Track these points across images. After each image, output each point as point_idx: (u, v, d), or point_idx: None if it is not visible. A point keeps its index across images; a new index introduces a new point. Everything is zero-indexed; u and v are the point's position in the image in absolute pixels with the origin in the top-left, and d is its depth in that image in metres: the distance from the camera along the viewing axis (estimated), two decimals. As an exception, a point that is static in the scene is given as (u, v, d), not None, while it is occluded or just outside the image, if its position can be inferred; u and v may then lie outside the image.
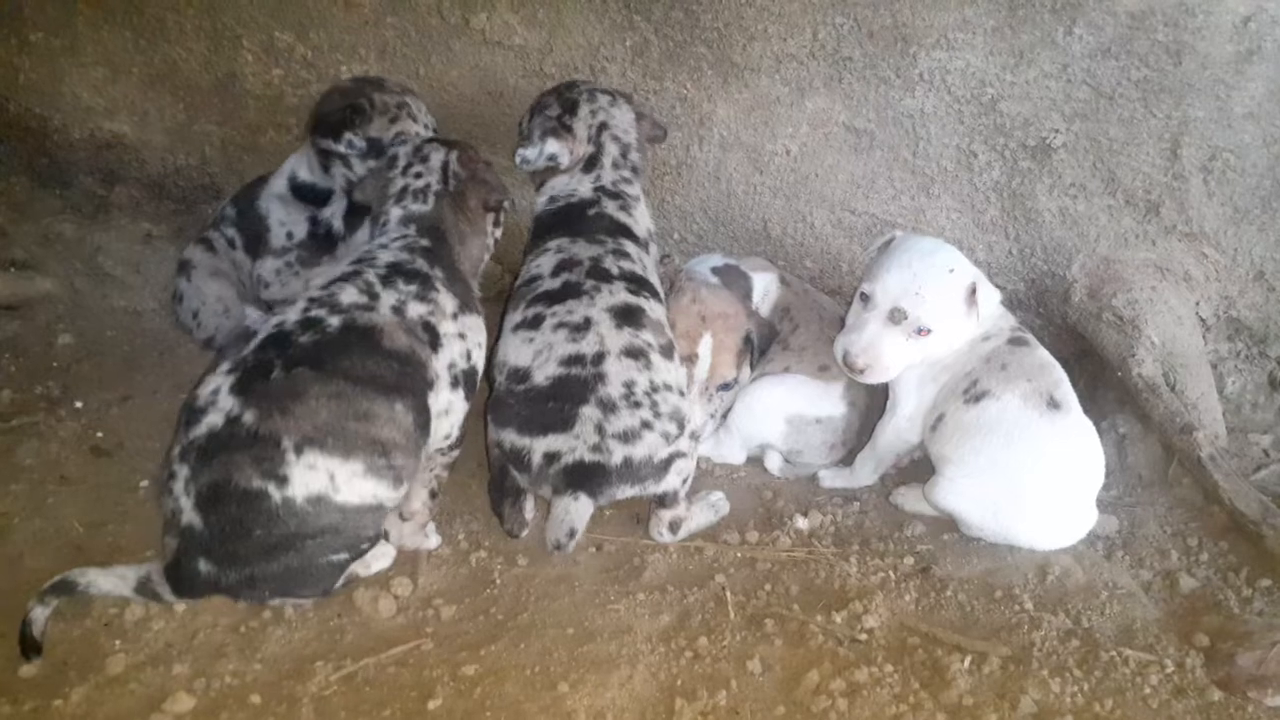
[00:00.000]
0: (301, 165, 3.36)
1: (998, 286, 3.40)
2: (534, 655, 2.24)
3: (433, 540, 2.65)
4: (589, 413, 2.53)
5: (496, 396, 2.68)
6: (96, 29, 3.74)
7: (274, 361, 2.24)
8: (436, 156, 2.76)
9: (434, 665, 2.21)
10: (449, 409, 2.51)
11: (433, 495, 2.64)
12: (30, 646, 2.18)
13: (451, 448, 2.61)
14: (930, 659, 2.29)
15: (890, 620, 2.41)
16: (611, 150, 3.12)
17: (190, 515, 2.17)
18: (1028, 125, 3.24)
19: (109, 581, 2.30)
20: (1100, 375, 3.29)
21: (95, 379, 3.30)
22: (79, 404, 3.14)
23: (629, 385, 2.57)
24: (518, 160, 3.05)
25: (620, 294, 2.72)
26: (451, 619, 2.38)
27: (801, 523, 2.80)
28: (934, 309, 2.71)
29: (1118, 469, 3.07)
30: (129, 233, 3.90)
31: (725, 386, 3.02)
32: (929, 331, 2.73)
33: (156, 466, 2.33)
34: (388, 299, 2.43)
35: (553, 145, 3.04)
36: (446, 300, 2.52)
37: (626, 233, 2.99)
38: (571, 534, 2.52)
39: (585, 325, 2.63)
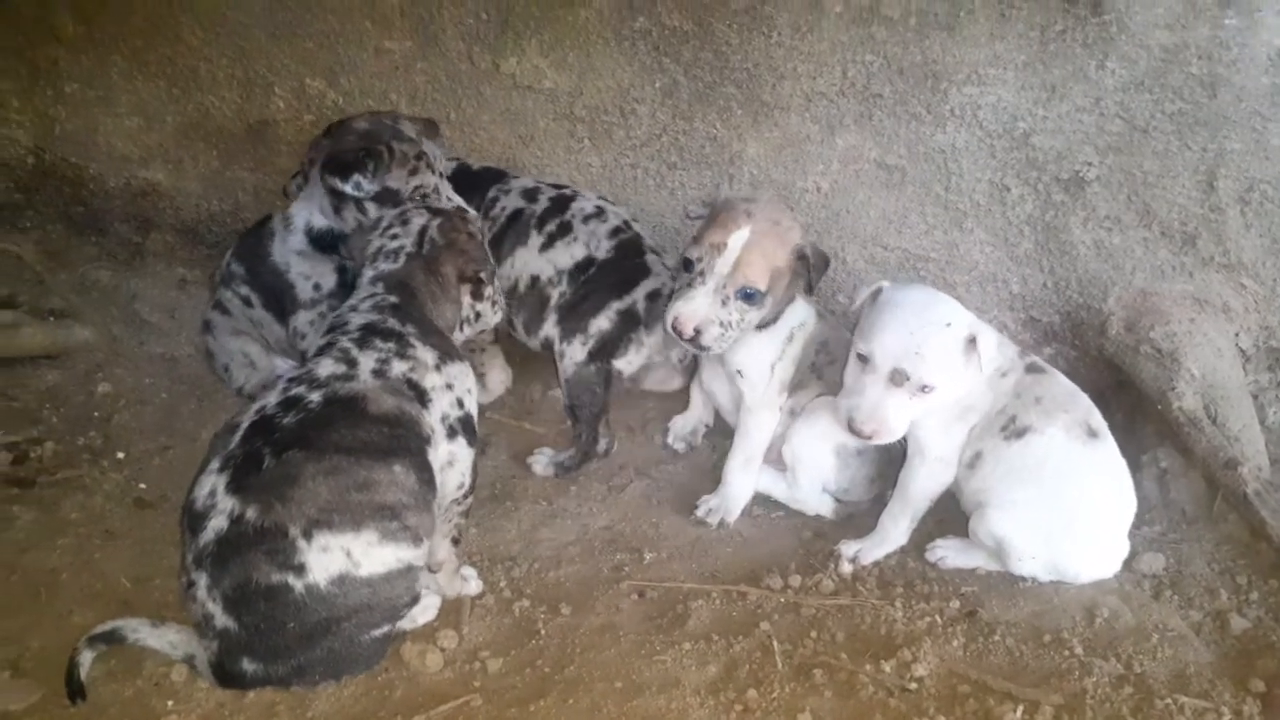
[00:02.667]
0: (314, 211, 3.28)
1: (1033, 319, 3.45)
2: (583, 711, 2.23)
3: (474, 585, 2.65)
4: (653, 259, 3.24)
5: (564, 305, 3.20)
6: (131, 79, 3.79)
7: (263, 450, 2.20)
8: (417, 221, 2.72)
9: (484, 723, 2.20)
10: (453, 459, 2.48)
11: (455, 542, 2.61)
12: (75, 690, 2.19)
13: (465, 495, 2.58)
14: (982, 709, 2.26)
15: (939, 667, 2.39)
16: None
17: (223, 619, 2.16)
18: (1060, 159, 3.23)
19: (157, 641, 2.31)
20: (1138, 408, 3.26)
21: (135, 428, 3.33)
22: (121, 454, 3.16)
23: None
24: None
25: None
26: (498, 672, 2.37)
27: (845, 566, 2.79)
28: (934, 366, 2.62)
29: (1160, 505, 3.05)
30: (164, 279, 3.94)
31: (748, 297, 2.82)
32: (932, 389, 2.66)
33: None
34: (367, 362, 2.39)
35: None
36: (425, 354, 2.48)
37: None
38: None
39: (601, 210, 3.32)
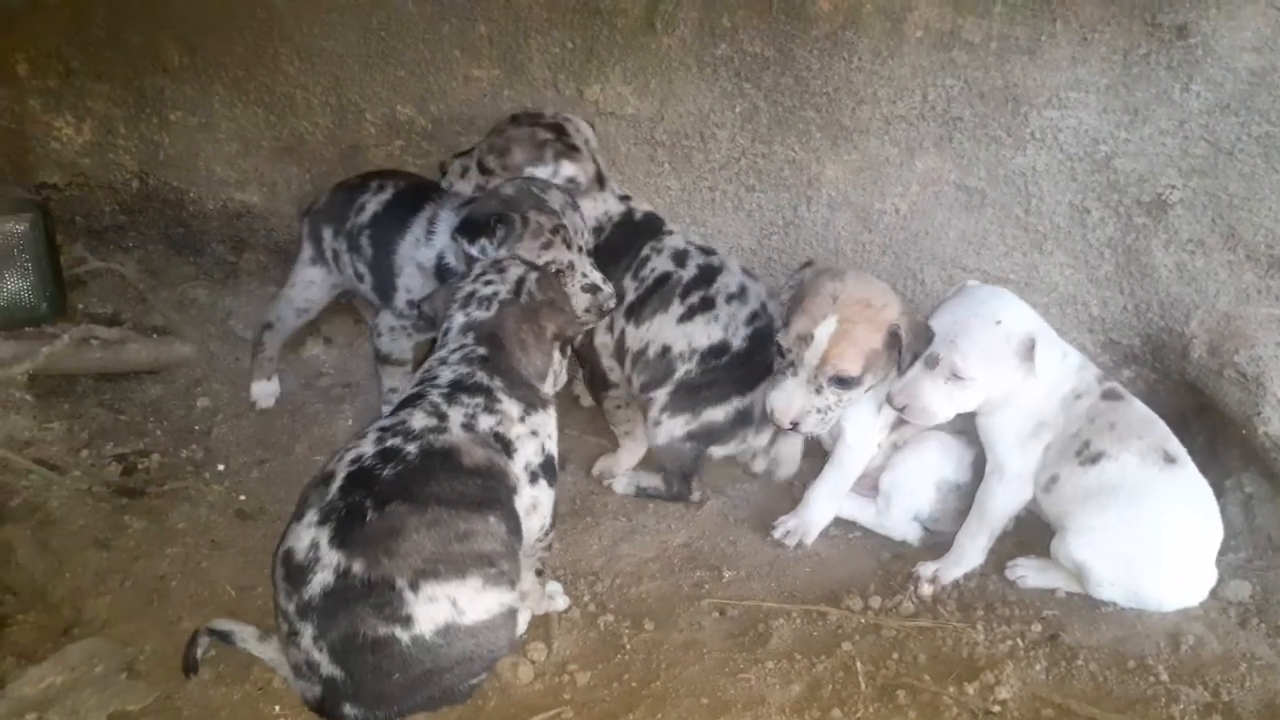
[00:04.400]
0: (451, 250, 3.26)
1: (1113, 341, 3.44)
2: (672, 726, 2.30)
3: (560, 602, 2.72)
4: None
5: (687, 384, 3.13)
6: (231, 107, 3.95)
7: (364, 503, 2.20)
8: (515, 271, 2.70)
9: (576, 735, 2.27)
10: (536, 504, 2.50)
11: (539, 574, 2.65)
12: (190, 664, 2.37)
13: (547, 533, 2.61)
14: (1066, 733, 2.28)
15: (1022, 691, 2.41)
16: (603, 162, 3.37)
17: (329, 668, 2.18)
18: (1143, 182, 3.23)
19: (261, 652, 2.41)
20: (1221, 432, 3.24)
21: (233, 441, 3.48)
22: (221, 467, 3.32)
23: None
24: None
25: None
26: (587, 685, 2.44)
27: (925, 588, 2.81)
28: (969, 358, 2.69)
29: (1245, 530, 3.02)
30: (257, 296, 4.08)
31: (843, 383, 2.81)
32: (966, 380, 2.71)
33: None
34: (456, 416, 2.40)
35: (569, 168, 3.23)
36: (511, 407, 2.48)
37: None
38: None
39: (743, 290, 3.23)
